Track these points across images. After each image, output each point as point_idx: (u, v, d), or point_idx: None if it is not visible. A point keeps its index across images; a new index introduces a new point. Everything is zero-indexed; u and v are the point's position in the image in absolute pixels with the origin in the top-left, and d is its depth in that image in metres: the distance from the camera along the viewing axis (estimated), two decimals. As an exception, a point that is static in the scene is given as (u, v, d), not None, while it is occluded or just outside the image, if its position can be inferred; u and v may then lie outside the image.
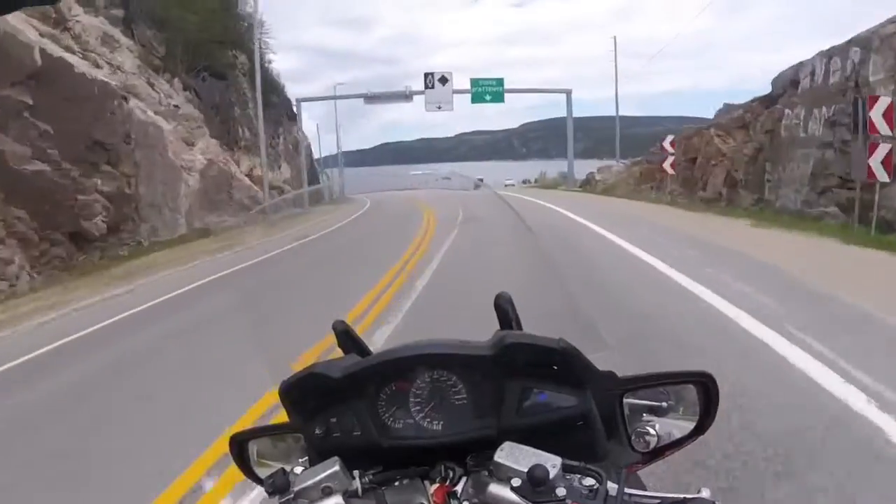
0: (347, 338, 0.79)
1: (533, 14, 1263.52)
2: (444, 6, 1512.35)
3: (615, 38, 34.82)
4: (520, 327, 0.77)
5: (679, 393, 0.73)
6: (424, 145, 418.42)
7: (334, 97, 36.81)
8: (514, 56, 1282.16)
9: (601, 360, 0.74)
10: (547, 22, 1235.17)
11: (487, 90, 29.01)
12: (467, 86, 29.27)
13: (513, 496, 0.57)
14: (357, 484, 0.65)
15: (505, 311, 0.77)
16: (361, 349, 0.79)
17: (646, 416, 0.73)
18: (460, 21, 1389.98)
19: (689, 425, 0.72)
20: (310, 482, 0.64)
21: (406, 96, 30.47)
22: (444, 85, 28.81)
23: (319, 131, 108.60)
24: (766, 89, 12.86)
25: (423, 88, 28.78)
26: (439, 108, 29.06)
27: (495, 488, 0.59)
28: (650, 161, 21.52)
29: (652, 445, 0.71)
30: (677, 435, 0.72)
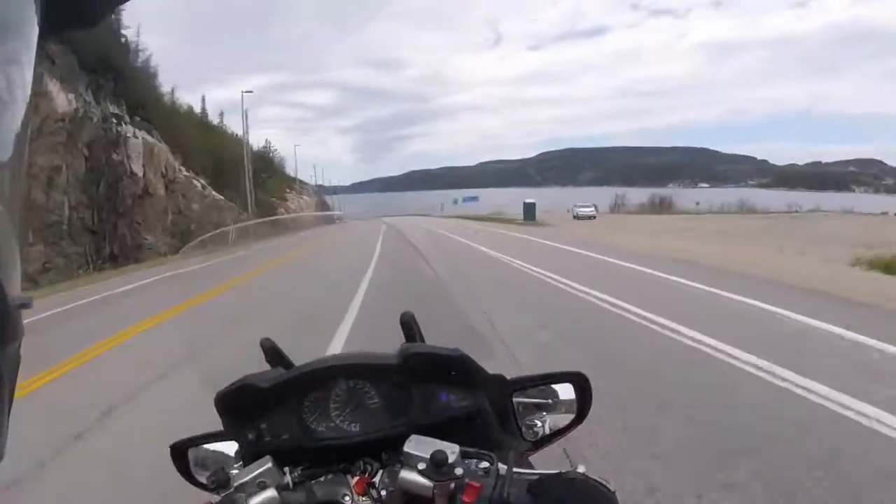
0: (274, 352, 0.88)
1: (547, 56, 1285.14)
2: (469, 48, 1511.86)
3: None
4: (423, 340, 0.89)
5: (561, 390, 0.86)
6: (448, 172, 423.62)
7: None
8: (532, 94, 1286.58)
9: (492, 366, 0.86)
10: (560, 62, 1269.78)
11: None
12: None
13: (419, 477, 0.68)
14: (288, 479, 0.75)
15: (409, 327, 0.88)
16: (286, 362, 0.88)
17: (536, 412, 0.86)
18: (482, 63, 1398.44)
19: (569, 417, 0.86)
20: (247, 478, 0.73)
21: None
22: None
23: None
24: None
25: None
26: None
27: (405, 473, 0.70)
28: None
29: (539, 435, 0.86)
30: (560, 425, 0.86)
